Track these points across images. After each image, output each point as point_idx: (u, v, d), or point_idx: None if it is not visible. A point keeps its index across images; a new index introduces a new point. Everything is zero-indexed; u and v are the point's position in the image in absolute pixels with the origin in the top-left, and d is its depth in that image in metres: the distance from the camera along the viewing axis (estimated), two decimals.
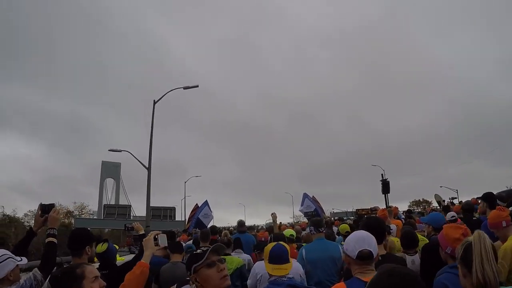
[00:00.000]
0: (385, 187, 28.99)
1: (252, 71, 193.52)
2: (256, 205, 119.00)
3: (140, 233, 3.78)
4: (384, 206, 34.70)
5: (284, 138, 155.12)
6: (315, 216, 16.25)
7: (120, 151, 20.06)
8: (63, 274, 1.99)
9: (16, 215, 52.43)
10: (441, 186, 35.23)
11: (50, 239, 2.66)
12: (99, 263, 3.28)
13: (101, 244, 3.37)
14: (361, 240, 2.13)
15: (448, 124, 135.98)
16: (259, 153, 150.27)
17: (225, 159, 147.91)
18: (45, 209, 2.84)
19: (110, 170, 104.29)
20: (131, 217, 53.74)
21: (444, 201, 19.29)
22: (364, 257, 2.06)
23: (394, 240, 4.49)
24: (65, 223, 48.55)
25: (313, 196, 17.53)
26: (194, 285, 1.95)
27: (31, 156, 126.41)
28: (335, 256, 4.00)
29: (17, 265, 2.44)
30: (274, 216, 6.13)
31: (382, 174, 32.11)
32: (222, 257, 2.09)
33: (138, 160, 18.12)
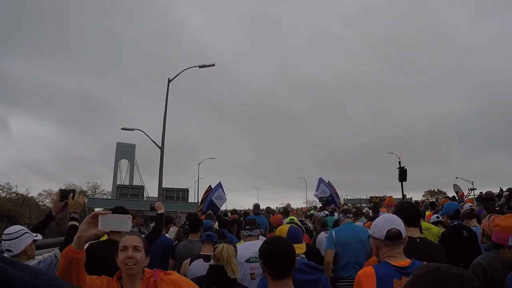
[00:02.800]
0: (402, 175, 28.50)
1: (272, 49, 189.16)
2: (270, 189, 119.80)
3: (159, 212, 4.09)
4: (400, 195, 34.56)
5: (302, 121, 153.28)
6: (329, 201, 16.25)
7: (132, 129, 20.01)
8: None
9: (30, 194, 53.56)
10: (456, 177, 34.66)
11: (73, 222, 2.81)
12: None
13: None
14: (389, 220, 2.12)
15: (473, 114, 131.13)
16: (275, 136, 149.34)
17: (240, 142, 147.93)
18: (65, 194, 2.99)
19: (125, 151, 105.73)
20: (144, 198, 54.75)
21: (457, 192, 19.03)
22: (393, 236, 2.04)
23: None
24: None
25: (328, 181, 17.42)
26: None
27: (43, 134, 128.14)
28: (364, 239, 4.14)
29: (33, 240, 2.58)
30: (288, 205, 7.22)
31: (399, 162, 31.66)
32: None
33: (151, 139, 18.12)
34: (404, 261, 1.99)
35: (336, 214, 8.63)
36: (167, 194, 44.60)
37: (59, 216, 3.16)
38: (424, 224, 5.32)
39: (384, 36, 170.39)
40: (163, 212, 4.14)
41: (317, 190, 17.00)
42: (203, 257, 3.58)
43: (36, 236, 2.64)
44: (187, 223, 7.24)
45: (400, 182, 29.32)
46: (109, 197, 63.61)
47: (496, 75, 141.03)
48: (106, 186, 73.80)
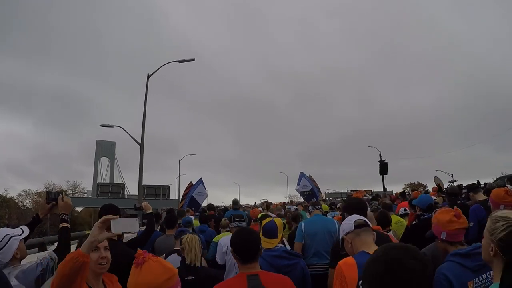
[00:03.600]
0: (383, 168, 29.11)
1: (254, 42, 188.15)
2: (251, 184, 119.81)
3: (148, 212, 4.28)
4: (381, 188, 35.13)
5: (285, 115, 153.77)
6: (311, 195, 16.42)
7: (112, 126, 19.71)
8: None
9: (9, 195, 52.46)
10: (436, 170, 35.36)
11: (64, 224, 2.82)
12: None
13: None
14: (354, 215, 2.35)
15: (458, 104, 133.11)
16: (257, 130, 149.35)
17: (221, 137, 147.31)
18: (52, 196, 2.98)
19: (105, 149, 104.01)
20: (125, 196, 54.04)
21: (438, 184, 19.40)
22: (361, 224, 2.24)
23: None
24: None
25: (309, 175, 17.65)
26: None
27: (20, 133, 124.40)
28: (331, 229, 4.43)
29: (21, 240, 2.54)
30: (266, 202, 7.97)
31: (380, 155, 32.24)
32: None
33: (131, 136, 17.92)
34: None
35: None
36: (148, 191, 44.21)
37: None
38: (394, 217, 5.72)
39: (368, 29, 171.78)
40: (152, 211, 4.36)
41: (298, 185, 17.19)
42: (177, 252, 3.75)
43: (22, 233, 2.59)
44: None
45: (381, 176, 30.03)
46: (90, 196, 62.57)
47: (480, 67, 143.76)
48: (87, 185, 72.49)
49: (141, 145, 17.57)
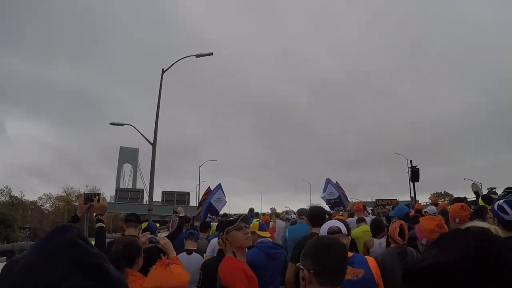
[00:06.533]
0: (415, 175, 27.30)
1: (273, 37, 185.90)
2: (273, 192, 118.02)
3: (180, 215, 5.46)
4: (408, 198, 33.37)
5: (309, 118, 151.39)
6: (338, 203, 15.16)
7: (122, 124, 19.16)
8: (127, 246, 2.84)
9: (24, 198, 53.72)
10: (465, 179, 33.50)
11: (100, 224, 3.19)
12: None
13: (144, 222, 5.25)
14: (331, 222, 2.92)
15: (488, 108, 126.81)
16: (279, 133, 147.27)
17: (242, 140, 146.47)
18: (89, 197, 3.25)
19: (128, 155, 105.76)
20: (144, 201, 53.94)
21: (477, 192, 17.69)
22: (334, 231, 2.67)
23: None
24: (77, 206, 48.56)
25: (336, 182, 16.37)
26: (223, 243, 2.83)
27: (39, 135, 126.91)
28: None
29: None
30: (273, 209, 9.83)
31: (411, 161, 30.51)
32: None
33: (142, 135, 17.24)
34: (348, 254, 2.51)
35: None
36: (167, 197, 44.02)
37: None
38: (364, 227, 6.16)
39: (396, 25, 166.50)
40: (183, 215, 5.60)
41: (324, 192, 15.97)
42: (186, 251, 4.57)
43: None
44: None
45: (412, 183, 28.34)
46: (112, 201, 63.02)
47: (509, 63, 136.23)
48: (110, 191, 73.16)
49: (153, 145, 16.81)
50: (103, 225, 3.21)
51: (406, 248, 3.32)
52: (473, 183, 18.73)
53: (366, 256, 2.70)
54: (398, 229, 3.41)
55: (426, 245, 2.67)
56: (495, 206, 3.39)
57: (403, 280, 0.93)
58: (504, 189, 14.50)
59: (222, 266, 2.70)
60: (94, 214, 3.26)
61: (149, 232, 4.16)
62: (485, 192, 17.44)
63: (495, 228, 1.76)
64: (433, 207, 7.93)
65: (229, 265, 2.69)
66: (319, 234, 2.72)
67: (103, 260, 0.78)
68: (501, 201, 3.45)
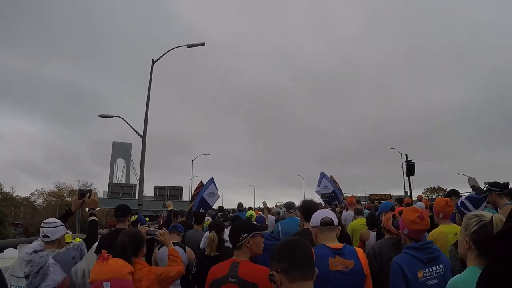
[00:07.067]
0: (410, 169, 27.03)
1: (267, 31, 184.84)
2: (266, 186, 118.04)
3: (169, 208, 6.07)
4: (402, 192, 33.27)
5: (302, 112, 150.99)
6: (333, 197, 14.91)
7: (111, 117, 18.92)
8: (132, 237, 2.96)
9: (15, 194, 53.21)
10: (458, 174, 33.54)
11: (92, 217, 3.55)
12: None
13: (134, 215, 5.22)
14: (323, 212, 2.75)
15: (484, 102, 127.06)
16: (272, 127, 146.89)
17: (235, 134, 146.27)
18: (83, 193, 3.60)
19: (121, 150, 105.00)
20: (136, 197, 53.41)
21: (474, 186, 17.45)
22: (326, 223, 2.59)
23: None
24: (68, 202, 48.34)
25: (331, 175, 16.12)
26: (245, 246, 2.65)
27: (30, 130, 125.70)
28: None
29: (66, 233, 3.15)
30: (264, 203, 10.08)
31: (406, 155, 30.31)
32: None
33: (132, 127, 17.01)
34: (338, 244, 2.54)
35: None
36: (159, 192, 43.63)
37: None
38: (361, 220, 6.45)
39: (390, 16, 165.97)
40: (172, 209, 6.14)
41: (318, 186, 15.74)
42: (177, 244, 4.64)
43: (68, 231, 3.18)
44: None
45: (407, 177, 28.10)
46: (103, 196, 62.46)
47: (504, 58, 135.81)
48: (99, 184, 72.64)
49: (143, 137, 16.40)
50: (96, 218, 3.62)
51: (400, 238, 3.32)
52: (470, 178, 18.54)
53: (355, 248, 2.63)
54: (391, 219, 3.60)
55: (407, 235, 2.79)
56: (458, 203, 3.75)
57: (495, 240, 1.12)
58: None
59: (258, 272, 2.46)
60: (87, 209, 3.65)
61: (142, 225, 4.58)
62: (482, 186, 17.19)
63: (499, 217, 1.81)
64: (422, 204, 8.11)
65: (263, 270, 2.40)
66: (311, 224, 2.72)
67: None
68: (463, 197, 3.81)
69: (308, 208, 3.69)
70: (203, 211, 12.40)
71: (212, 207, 13.96)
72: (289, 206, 6.22)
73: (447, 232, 3.53)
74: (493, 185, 6.91)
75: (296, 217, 5.59)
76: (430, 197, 31.05)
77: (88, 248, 3.22)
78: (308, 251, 1.78)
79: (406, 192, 30.31)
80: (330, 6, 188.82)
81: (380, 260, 3.30)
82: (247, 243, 2.63)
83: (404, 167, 28.69)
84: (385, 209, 5.31)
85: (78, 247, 3.06)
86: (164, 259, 4.00)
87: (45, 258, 2.83)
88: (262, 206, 12.84)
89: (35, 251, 2.90)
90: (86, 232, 3.53)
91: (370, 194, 41.95)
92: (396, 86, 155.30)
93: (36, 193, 55.66)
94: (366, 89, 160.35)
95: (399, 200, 12.09)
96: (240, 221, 3.29)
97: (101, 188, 70.73)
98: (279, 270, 1.68)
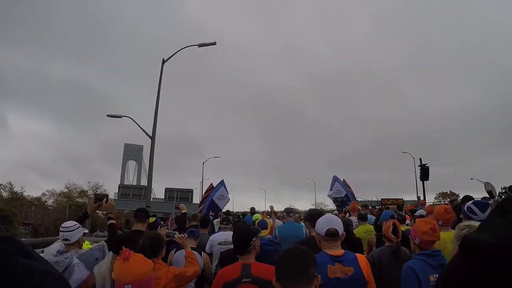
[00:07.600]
0: (424, 174, 26.81)
1: (277, 32, 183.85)
2: (277, 190, 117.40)
3: (183, 211, 6.20)
4: (414, 197, 32.59)
5: (314, 116, 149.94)
6: (345, 202, 14.59)
7: (120, 116, 18.84)
8: (153, 239, 3.15)
9: (25, 193, 53.66)
10: (471, 178, 32.78)
11: (111, 221, 3.78)
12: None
13: (152, 217, 5.31)
14: (329, 220, 2.77)
15: (496, 103, 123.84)
16: (284, 130, 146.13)
17: (247, 137, 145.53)
18: (99, 197, 3.88)
19: (133, 152, 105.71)
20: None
21: (490, 191, 16.84)
22: (331, 234, 2.67)
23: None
24: (79, 202, 48.67)
25: (343, 179, 15.80)
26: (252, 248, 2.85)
27: (41, 131, 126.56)
28: (300, 234, 5.45)
29: (84, 233, 3.54)
30: (271, 207, 9.26)
31: (420, 159, 29.83)
32: None
33: (141, 128, 16.94)
34: (339, 251, 2.64)
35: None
36: (169, 194, 43.58)
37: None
38: (366, 226, 6.54)
39: (400, 16, 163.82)
40: (186, 212, 6.24)
41: (331, 190, 15.52)
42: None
43: (85, 229, 3.60)
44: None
45: (416, 183, 27.79)
46: (115, 198, 62.87)
47: None
48: (110, 186, 73.04)
49: (152, 138, 16.32)
50: (114, 221, 3.81)
51: (400, 246, 3.56)
52: (486, 182, 17.91)
53: (356, 254, 2.73)
54: (391, 227, 3.66)
55: (418, 245, 2.95)
56: (465, 208, 3.81)
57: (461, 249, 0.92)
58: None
59: (271, 271, 2.52)
60: (100, 212, 3.98)
61: (161, 227, 4.72)
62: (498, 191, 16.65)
63: None
64: (422, 210, 8.37)
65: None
66: (315, 230, 2.82)
67: None
68: (470, 202, 3.85)
69: (316, 216, 3.75)
70: (213, 214, 12.20)
71: (222, 210, 13.76)
72: (288, 210, 6.35)
73: (446, 239, 3.54)
74: (511, 189, 6.82)
75: (298, 223, 5.82)
76: (443, 203, 30.38)
77: (109, 249, 3.52)
78: (298, 258, 1.89)
79: (418, 197, 29.78)
80: (339, 6, 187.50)
81: (379, 267, 3.47)
82: (255, 246, 2.88)
83: (418, 171, 28.62)
84: (385, 218, 5.27)
85: (101, 248, 3.37)
86: (179, 262, 4.19)
87: (70, 258, 3.09)
88: (269, 210, 12.79)
89: (59, 252, 3.16)
90: (90, 231, 3.90)
91: (382, 199, 41.47)
92: (407, 87, 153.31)
93: (47, 193, 56.29)
94: (376, 89, 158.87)
95: (412, 211, 11.44)
96: (245, 227, 3.53)
97: (111, 190, 70.86)
98: (275, 279, 1.87)
